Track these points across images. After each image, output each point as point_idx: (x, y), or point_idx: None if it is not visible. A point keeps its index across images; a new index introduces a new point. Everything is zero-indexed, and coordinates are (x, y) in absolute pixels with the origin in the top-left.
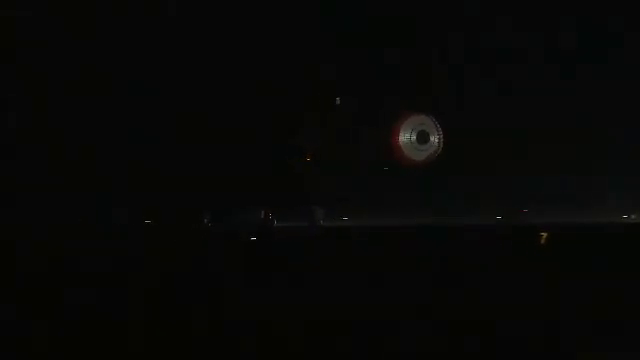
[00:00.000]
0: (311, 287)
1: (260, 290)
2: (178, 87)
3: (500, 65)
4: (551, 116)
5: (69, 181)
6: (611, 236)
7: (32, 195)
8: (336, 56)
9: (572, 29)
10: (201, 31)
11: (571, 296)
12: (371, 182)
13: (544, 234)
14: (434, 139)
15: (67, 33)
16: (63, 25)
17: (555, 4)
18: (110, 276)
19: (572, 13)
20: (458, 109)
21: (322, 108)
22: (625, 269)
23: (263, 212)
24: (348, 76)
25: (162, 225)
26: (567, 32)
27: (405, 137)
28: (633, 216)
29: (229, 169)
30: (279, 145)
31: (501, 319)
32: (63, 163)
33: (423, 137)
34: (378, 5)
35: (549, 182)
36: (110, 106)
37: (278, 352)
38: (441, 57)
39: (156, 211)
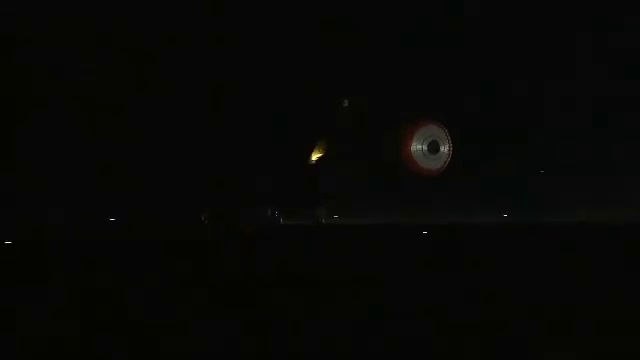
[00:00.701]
0: (311, 286)
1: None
2: (186, 88)
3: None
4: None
5: (65, 181)
6: None
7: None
8: (347, 63)
9: (601, 29)
10: (209, 31)
11: None
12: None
13: None
14: (444, 149)
15: (64, 31)
16: (63, 24)
17: (571, 6)
18: (111, 273)
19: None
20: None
21: (333, 112)
22: None
23: (270, 211)
24: (360, 84)
25: (164, 224)
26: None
27: (417, 147)
28: None
29: (237, 169)
30: (286, 146)
31: None
32: (66, 162)
33: (434, 147)
34: (386, 10)
35: None
36: (118, 107)
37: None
38: (459, 63)
39: (160, 210)
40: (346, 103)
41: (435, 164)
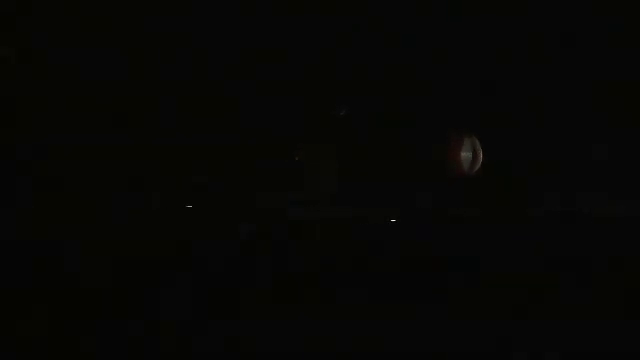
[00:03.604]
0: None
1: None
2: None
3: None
4: None
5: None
6: None
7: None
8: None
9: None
10: (202, 30)
11: None
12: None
13: None
14: (481, 156)
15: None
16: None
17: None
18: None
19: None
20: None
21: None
22: None
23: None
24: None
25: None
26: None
27: (465, 154)
28: None
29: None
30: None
31: None
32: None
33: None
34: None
35: None
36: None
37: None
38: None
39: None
40: (343, 112)
41: (473, 168)
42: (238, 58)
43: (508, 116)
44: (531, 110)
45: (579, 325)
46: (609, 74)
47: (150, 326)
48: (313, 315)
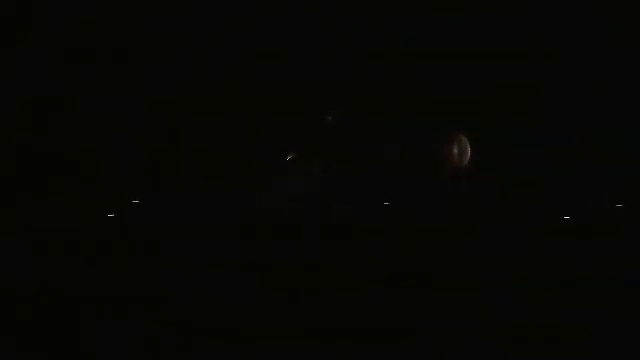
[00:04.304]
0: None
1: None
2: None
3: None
4: None
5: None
6: None
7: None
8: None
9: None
10: (205, 31)
11: None
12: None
13: None
14: (469, 151)
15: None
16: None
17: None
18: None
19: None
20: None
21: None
22: None
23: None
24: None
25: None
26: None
27: (455, 150)
28: None
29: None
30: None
31: None
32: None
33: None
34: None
35: None
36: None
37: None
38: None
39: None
40: (330, 118)
41: (462, 163)
42: (238, 58)
43: (508, 116)
44: (531, 110)
45: (579, 325)
46: (609, 74)
47: (150, 326)
48: (313, 315)
